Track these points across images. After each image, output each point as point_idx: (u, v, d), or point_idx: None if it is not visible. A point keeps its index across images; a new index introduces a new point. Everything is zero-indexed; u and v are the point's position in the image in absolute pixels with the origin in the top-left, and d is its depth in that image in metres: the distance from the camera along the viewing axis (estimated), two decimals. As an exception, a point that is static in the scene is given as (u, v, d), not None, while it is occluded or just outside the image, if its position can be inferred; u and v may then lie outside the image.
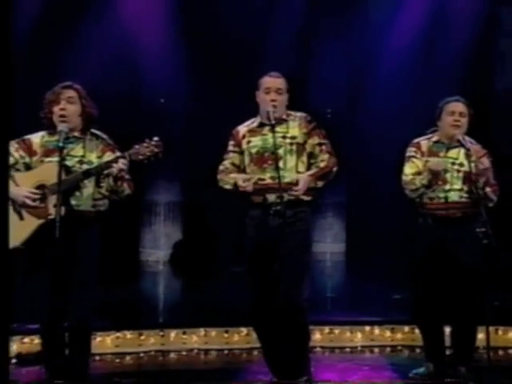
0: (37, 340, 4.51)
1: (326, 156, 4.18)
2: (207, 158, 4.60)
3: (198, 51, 7.19)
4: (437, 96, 4.64)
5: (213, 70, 7.14)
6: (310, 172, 4.15)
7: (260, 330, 4.28)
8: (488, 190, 4.32)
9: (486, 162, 4.30)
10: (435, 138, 4.51)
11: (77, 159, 4.03)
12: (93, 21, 6.85)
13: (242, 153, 4.25)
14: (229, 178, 4.20)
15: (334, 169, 4.22)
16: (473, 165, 4.29)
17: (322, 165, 4.18)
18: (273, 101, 4.15)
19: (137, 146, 3.95)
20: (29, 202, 3.93)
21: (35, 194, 3.94)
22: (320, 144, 4.20)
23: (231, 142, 4.31)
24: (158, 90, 7.32)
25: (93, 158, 4.06)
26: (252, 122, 4.30)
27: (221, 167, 4.26)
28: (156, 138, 3.96)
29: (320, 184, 4.19)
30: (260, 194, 4.13)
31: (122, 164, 3.90)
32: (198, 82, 7.18)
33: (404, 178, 4.48)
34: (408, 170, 4.49)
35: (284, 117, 4.21)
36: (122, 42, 7.00)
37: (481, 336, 4.44)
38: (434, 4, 7.40)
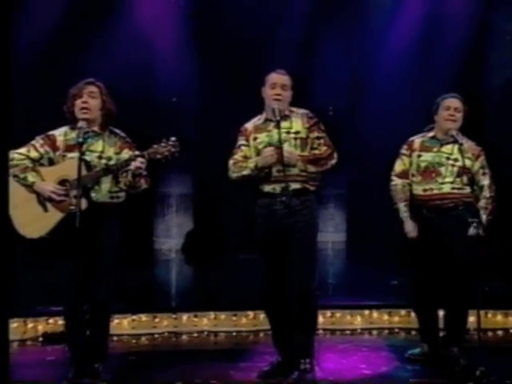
0: (60, 321, 4.58)
1: (323, 148, 4.19)
2: (217, 153, 4.61)
3: (208, 53, 7.19)
4: (433, 94, 4.68)
5: (222, 70, 7.14)
6: (302, 153, 4.16)
7: (270, 313, 4.31)
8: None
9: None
10: (431, 134, 4.56)
11: (96, 154, 4.06)
12: (113, 25, 6.88)
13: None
14: (248, 162, 4.20)
15: (332, 161, 4.22)
16: (467, 161, 4.34)
17: (316, 152, 4.19)
18: (277, 95, 4.17)
19: (155, 146, 3.98)
20: (55, 197, 3.97)
21: (60, 189, 3.98)
22: (318, 138, 4.21)
23: (241, 138, 4.32)
24: (170, 90, 7.37)
25: (111, 153, 4.10)
26: (258, 119, 4.32)
27: (231, 161, 4.27)
28: (173, 138, 3.99)
29: (311, 168, 4.16)
30: (268, 184, 4.16)
31: (139, 162, 3.93)
32: (208, 81, 7.18)
33: (392, 176, 4.61)
34: (397, 167, 4.62)
35: (287, 113, 4.22)
36: (138, 45, 7.04)
37: (472, 319, 4.50)
38: (430, 8, 7.38)
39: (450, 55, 7.26)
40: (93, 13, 6.81)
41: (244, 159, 4.24)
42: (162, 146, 3.97)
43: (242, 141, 4.31)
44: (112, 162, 4.04)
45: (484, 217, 4.36)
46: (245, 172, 4.19)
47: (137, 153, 4.03)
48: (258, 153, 4.19)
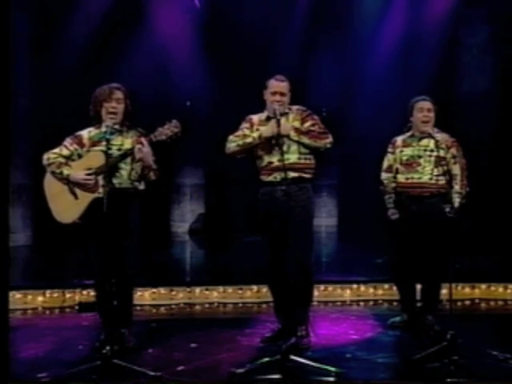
0: (92, 292, 4.59)
1: (317, 130, 4.18)
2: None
3: (218, 61, 7.28)
4: (412, 97, 4.66)
5: (229, 75, 7.23)
6: (297, 126, 4.15)
7: (273, 287, 4.31)
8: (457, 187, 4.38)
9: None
10: (410, 133, 4.60)
11: (116, 147, 4.07)
12: (136, 38, 6.97)
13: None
14: (252, 134, 4.15)
15: (326, 140, 4.17)
16: (442, 152, 4.33)
17: (311, 128, 4.16)
18: (278, 101, 4.15)
19: (160, 129, 3.99)
20: (89, 182, 4.01)
21: (90, 175, 4.02)
22: (313, 125, 4.18)
23: (245, 123, 4.27)
24: (185, 94, 7.42)
25: (129, 145, 4.09)
26: (261, 116, 4.28)
27: (232, 135, 4.22)
28: (174, 120, 3.98)
29: (303, 139, 4.12)
30: (269, 174, 4.18)
31: (140, 144, 3.95)
32: (217, 85, 7.26)
33: (381, 172, 4.67)
34: (384, 163, 4.67)
35: (286, 111, 4.21)
36: (158, 55, 7.13)
37: (444, 291, 4.55)
38: (409, 24, 7.51)
39: (427, 64, 7.35)
40: (118, 28, 6.89)
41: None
42: (166, 127, 3.97)
43: (245, 125, 4.27)
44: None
45: (458, 200, 4.38)
46: (248, 140, 4.14)
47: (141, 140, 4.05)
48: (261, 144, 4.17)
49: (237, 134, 4.24)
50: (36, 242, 7.74)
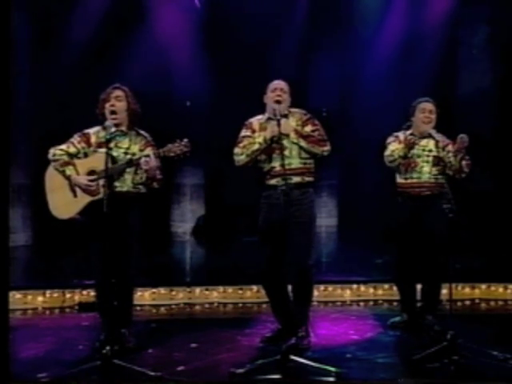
0: (92, 292, 4.62)
1: (317, 136, 4.18)
2: (225, 148, 4.60)
3: (218, 63, 7.31)
4: (412, 97, 4.68)
5: (229, 77, 7.24)
6: (298, 128, 4.15)
7: (268, 288, 4.27)
8: (463, 163, 4.33)
9: (465, 140, 4.20)
10: (409, 132, 4.57)
11: (122, 150, 4.08)
12: (138, 40, 6.99)
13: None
14: (254, 140, 4.12)
15: (324, 147, 4.16)
16: (442, 151, 4.35)
17: (311, 133, 4.16)
18: (278, 96, 4.14)
19: (170, 145, 3.97)
20: (90, 188, 4.02)
21: (92, 181, 4.03)
22: (313, 131, 4.17)
23: (245, 130, 4.24)
24: (185, 94, 7.44)
25: (136, 150, 4.11)
26: (261, 118, 4.27)
27: (238, 148, 4.18)
28: (186, 140, 3.96)
29: (302, 142, 4.11)
30: (272, 179, 4.16)
31: (146, 157, 3.94)
32: (217, 87, 7.28)
33: (385, 153, 4.54)
34: (390, 147, 4.53)
35: (286, 112, 4.20)
36: (159, 57, 7.14)
37: (444, 291, 4.55)
38: (409, 24, 7.52)
39: (427, 64, 7.37)
40: (118, 28, 6.91)
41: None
42: (176, 145, 3.96)
43: (246, 132, 4.23)
44: (135, 157, 4.06)
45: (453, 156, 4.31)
46: (255, 147, 4.11)
47: (147, 152, 4.05)
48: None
49: (242, 144, 4.19)
50: (36, 241, 7.76)
